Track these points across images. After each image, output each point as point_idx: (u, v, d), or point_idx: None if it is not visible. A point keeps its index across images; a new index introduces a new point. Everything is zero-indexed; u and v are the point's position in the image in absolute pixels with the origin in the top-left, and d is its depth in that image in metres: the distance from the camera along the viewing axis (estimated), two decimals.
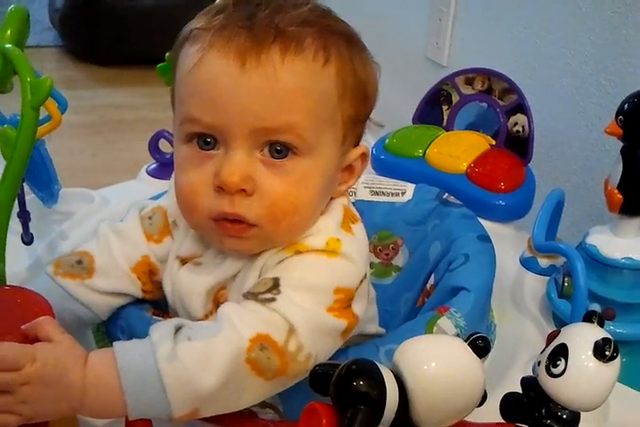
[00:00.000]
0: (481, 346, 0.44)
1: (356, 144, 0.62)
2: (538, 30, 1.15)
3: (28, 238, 0.80)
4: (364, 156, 0.63)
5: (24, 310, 0.51)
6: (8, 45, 0.62)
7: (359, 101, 0.59)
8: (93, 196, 0.94)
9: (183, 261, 0.63)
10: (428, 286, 0.76)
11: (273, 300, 0.53)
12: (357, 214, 0.63)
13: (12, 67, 0.63)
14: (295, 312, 0.52)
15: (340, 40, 0.57)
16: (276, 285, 0.54)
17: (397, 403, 0.41)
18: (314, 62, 0.55)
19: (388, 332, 0.69)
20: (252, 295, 0.54)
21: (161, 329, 0.51)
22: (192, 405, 0.49)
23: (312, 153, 0.56)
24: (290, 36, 0.54)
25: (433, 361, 0.42)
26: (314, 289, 0.54)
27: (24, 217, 0.79)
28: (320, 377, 0.43)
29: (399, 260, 0.83)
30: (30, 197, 0.81)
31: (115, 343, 0.51)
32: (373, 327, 0.69)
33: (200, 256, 0.63)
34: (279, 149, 0.55)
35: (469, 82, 1.03)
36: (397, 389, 0.41)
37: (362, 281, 0.57)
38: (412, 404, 0.42)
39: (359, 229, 0.61)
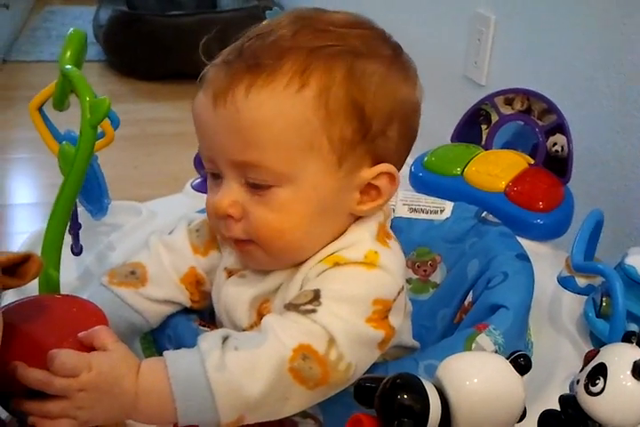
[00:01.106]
0: (522, 364, 0.45)
1: (376, 163, 0.60)
2: (577, 51, 1.15)
3: (77, 249, 0.82)
4: (388, 174, 0.60)
5: (80, 319, 0.53)
6: (68, 66, 0.65)
7: (355, 121, 0.57)
8: (141, 209, 0.96)
9: (230, 273, 0.65)
10: (465, 302, 0.76)
11: (314, 311, 0.54)
12: (392, 233, 0.64)
13: (70, 86, 0.66)
14: (335, 323, 0.54)
15: (336, 59, 0.56)
16: (316, 296, 0.55)
17: (440, 417, 0.43)
18: (285, 90, 0.55)
19: (424, 346, 0.70)
20: (293, 307, 0.55)
21: (209, 339, 0.53)
22: (238, 412, 0.51)
23: (290, 181, 0.57)
24: (263, 66, 0.55)
25: (475, 377, 0.44)
26: (353, 300, 0.55)
27: (75, 229, 0.80)
28: (364, 390, 0.45)
29: (437, 276, 0.83)
30: (79, 210, 0.83)
31: (165, 353, 0.53)
32: (410, 340, 0.70)
33: (245, 269, 0.64)
34: (256, 184, 0.57)
35: (509, 102, 1.04)
36: (440, 403, 0.43)
37: (399, 293, 0.59)
38: (454, 418, 0.43)
39: (395, 243, 0.62)
